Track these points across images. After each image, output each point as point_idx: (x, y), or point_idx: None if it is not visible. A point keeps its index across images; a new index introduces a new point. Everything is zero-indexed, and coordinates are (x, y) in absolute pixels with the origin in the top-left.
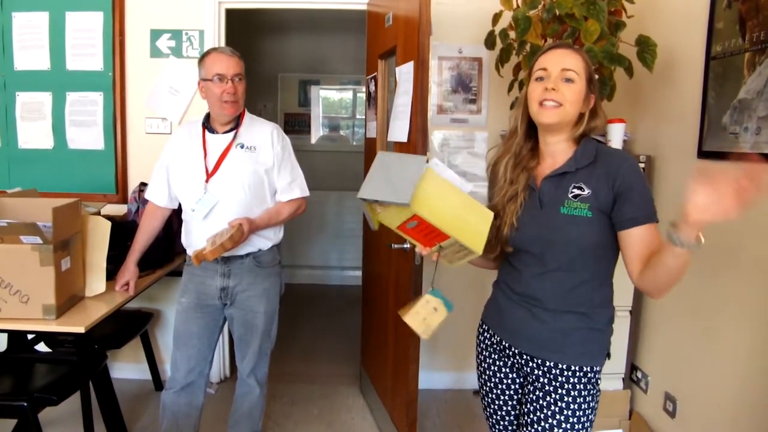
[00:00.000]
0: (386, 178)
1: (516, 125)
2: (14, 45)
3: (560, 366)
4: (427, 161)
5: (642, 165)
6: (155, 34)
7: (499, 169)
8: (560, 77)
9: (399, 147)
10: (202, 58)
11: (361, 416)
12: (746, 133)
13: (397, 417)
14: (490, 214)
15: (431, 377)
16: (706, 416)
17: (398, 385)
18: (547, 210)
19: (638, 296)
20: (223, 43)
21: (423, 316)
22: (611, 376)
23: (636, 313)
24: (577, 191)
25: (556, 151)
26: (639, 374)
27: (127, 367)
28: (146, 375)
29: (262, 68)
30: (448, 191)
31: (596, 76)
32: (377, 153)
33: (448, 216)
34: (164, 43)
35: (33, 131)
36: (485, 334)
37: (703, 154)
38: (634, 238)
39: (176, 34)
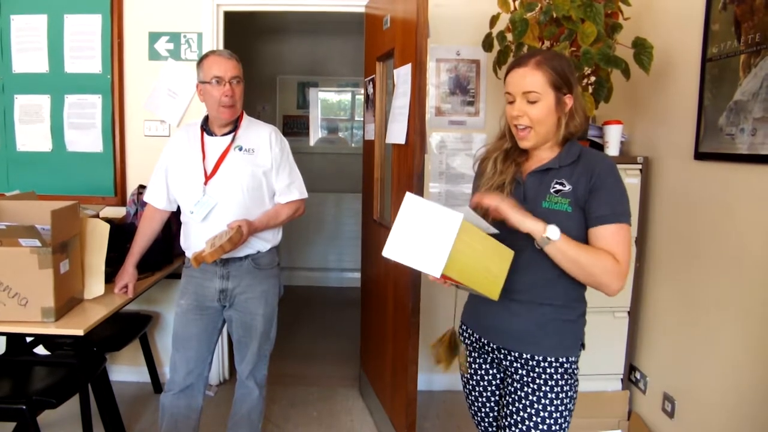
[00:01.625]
0: (417, 238)
1: (505, 131)
2: (12, 48)
3: (537, 358)
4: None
5: (639, 166)
6: (153, 37)
7: (488, 164)
8: (523, 99)
9: (397, 149)
10: (201, 60)
11: (361, 418)
12: (742, 134)
13: (397, 418)
14: (510, 254)
15: (430, 379)
16: (704, 416)
17: (397, 387)
18: (529, 204)
19: (636, 297)
20: (221, 46)
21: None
22: (610, 377)
23: (634, 313)
24: (558, 186)
25: (542, 155)
26: (637, 375)
27: (126, 370)
28: (145, 377)
29: (260, 70)
30: (475, 241)
31: (573, 75)
32: (406, 195)
33: (473, 270)
34: (162, 45)
35: (31, 134)
36: (464, 333)
37: (699, 155)
38: (599, 236)
39: (174, 37)
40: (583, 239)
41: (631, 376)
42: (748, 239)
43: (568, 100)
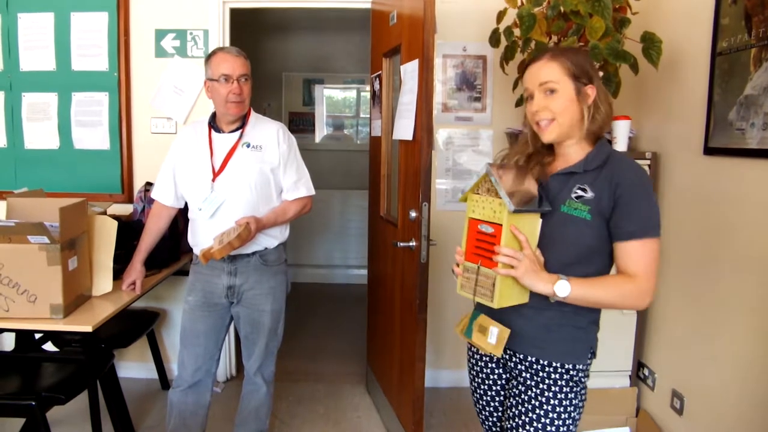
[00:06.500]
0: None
1: (528, 137)
2: (20, 46)
3: (542, 362)
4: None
5: (647, 162)
6: (160, 34)
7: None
8: (541, 92)
9: (404, 145)
10: (209, 57)
11: (368, 415)
12: (753, 128)
13: (404, 415)
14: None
15: (437, 375)
16: (713, 413)
17: (404, 384)
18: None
19: None
20: (227, 43)
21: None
22: (618, 374)
23: (642, 310)
24: (580, 192)
25: (570, 153)
26: (646, 371)
27: (133, 367)
28: (153, 374)
29: (266, 67)
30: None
31: (593, 68)
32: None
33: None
34: (169, 42)
35: (39, 132)
36: None
37: (709, 150)
38: (625, 252)
39: (181, 34)
40: (600, 250)
41: (639, 372)
42: (759, 235)
43: (590, 91)
